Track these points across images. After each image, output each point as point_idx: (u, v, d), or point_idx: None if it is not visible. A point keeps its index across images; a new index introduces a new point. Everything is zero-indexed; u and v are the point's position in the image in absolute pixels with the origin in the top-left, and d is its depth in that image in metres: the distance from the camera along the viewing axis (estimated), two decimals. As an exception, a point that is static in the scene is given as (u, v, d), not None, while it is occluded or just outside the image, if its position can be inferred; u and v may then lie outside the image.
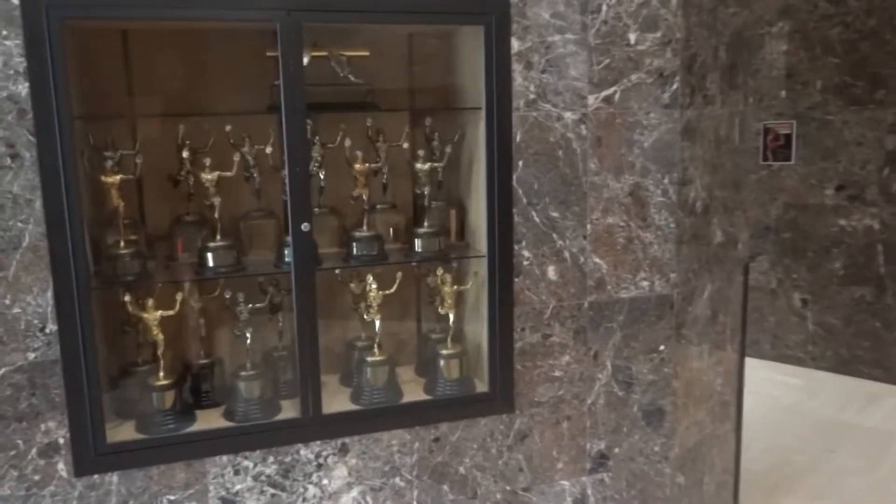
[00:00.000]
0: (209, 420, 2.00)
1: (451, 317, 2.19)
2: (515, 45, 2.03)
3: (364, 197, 2.13)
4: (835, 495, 3.25)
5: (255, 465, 1.96)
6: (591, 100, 2.13)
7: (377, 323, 2.14)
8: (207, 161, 1.97)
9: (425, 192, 2.18)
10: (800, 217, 4.79)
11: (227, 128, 2.01)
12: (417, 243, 2.16)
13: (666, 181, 2.25)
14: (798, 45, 4.66)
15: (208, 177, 1.97)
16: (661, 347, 2.33)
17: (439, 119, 2.26)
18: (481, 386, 2.21)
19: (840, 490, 3.28)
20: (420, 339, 2.39)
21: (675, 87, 2.20)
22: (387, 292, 2.12)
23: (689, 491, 2.49)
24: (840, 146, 4.57)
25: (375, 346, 2.16)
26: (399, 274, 2.14)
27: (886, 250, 4.47)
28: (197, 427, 1.97)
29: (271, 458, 1.97)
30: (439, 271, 2.14)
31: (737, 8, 2.46)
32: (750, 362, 5.04)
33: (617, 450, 2.33)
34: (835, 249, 4.67)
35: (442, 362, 2.19)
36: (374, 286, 2.08)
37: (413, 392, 2.21)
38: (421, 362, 2.36)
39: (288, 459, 1.99)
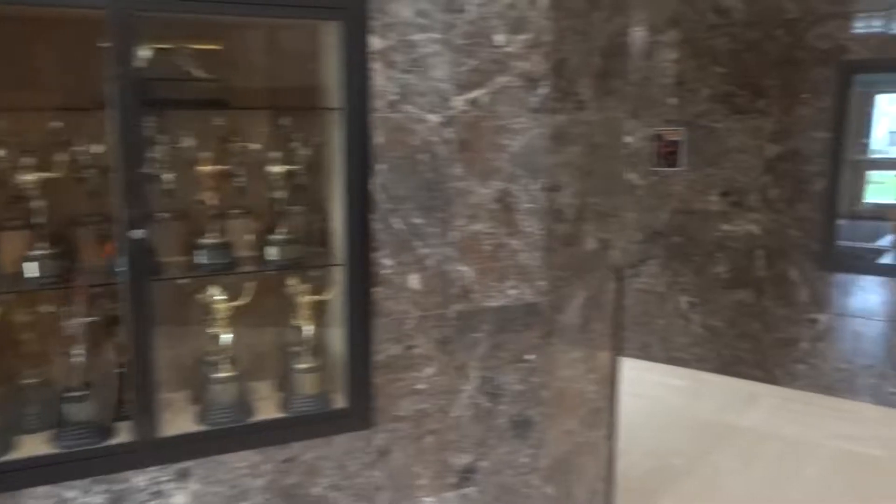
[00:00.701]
0: (31, 447, 1.81)
1: (309, 329, 2.06)
2: (376, 42, 1.93)
3: (214, 201, 1.98)
4: (709, 497, 3.31)
5: (81, 495, 1.78)
6: (456, 102, 2.05)
7: (226, 337, 1.99)
8: (27, 161, 1.77)
9: (281, 197, 2.04)
10: (687, 222, 4.90)
11: (54, 125, 1.82)
12: (272, 251, 2.03)
13: (535, 187, 2.19)
14: (687, 54, 4.77)
15: (29, 178, 1.77)
16: (530, 356, 2.28)
17: (302, 119, 2.13)
18: (342, 402, 2.10)
19: (715, 491, 3.35)
20: (280, 353, 2.25)
21: (544, 91, 2.15)
22: (237, 304, 1.98)
23: (559, 501, 2.45)
24: (725, 153, 4.70)
25: (224, 361, 2.01)
26: (251, 284, 2.00)
27: (766, 255, 4.62)
28: (14, 455, 1.77)
29: (100, 488, 1.80)
30: (293, 281, 2.01)
31: (611, 13, 2.44)
32: (640, 365, 5.15)
33: (484, 463, 2.26)
34: (719, 254, 4.80)
35: (297, 377, 2.06)
36: (220, 297, 1.93)
37: (268, 410, 2.08)
38: (281, 378, 2.22)
39: (119, 488, 1.81)
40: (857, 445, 3.80)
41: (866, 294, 4.32)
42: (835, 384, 4.47)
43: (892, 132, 6.25)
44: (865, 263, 4.44)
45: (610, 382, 2.77)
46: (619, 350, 2.78)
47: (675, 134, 4.87)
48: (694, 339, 4.97)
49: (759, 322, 4.70)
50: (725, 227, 4.75)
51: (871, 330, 4.31)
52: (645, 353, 5.18)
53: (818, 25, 4.28)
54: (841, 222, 5.88)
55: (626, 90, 2.60)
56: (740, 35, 4.54)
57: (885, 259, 4.60)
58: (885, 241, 5.02)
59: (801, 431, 3.97)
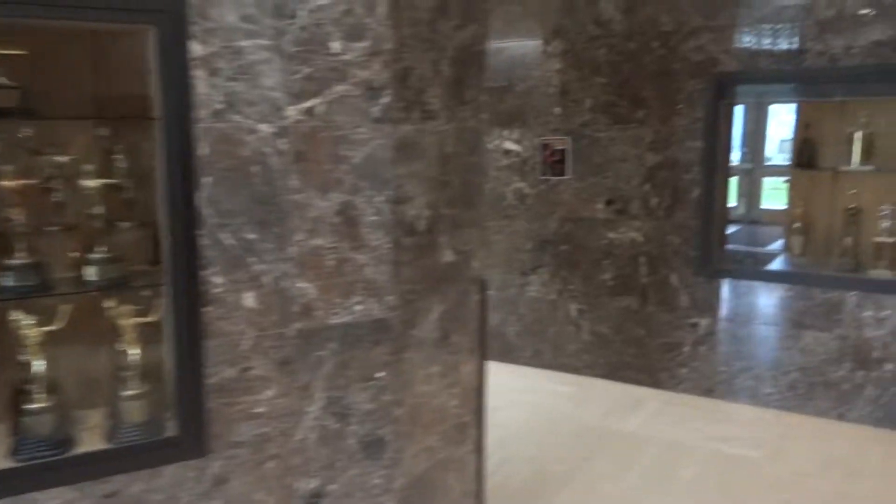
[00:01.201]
0: None
1: (135, 353, 1.93)
2: (197, 49, 1.83)
3: (21, 218, 1.82)
4: (585, 503, 3.33)
5: None
6: (290, 112, 1.96)
7: (39, 364, 1.84)
8: None
9: (99, 212, 1.91)
10: (575, 230, 4.96)
11: None
12: (90, 271, 1.89)
13: (380, 199, 2.13)
14: (570, 65, 4.83)
15: None
16: (380, 374, 2.21)
17: (126, 130, 2.00)
18: (173, 429, 1.97)
19: (591, 497, 3.37)
20: (110, 380, 2.10)
21: (385, 100, 2.10)
22: (50, 329, 1.83)
23: (419, 521, 2.39)
24: (608, 162, 4.78)
25: (38, 390, 1.85)
26: (67, 307, 1.85)
27: (648, 261, 4.72)
28: None
29: None
30: (112, 302, 1.88)
31: (462, 21, 2.41)
32: (531, 372, 5.17)
33: (333, 486, 2.18)
34: (605, 261, 4.88)
35: (124, 405, 1.93)
36: (28, 322, 1.78)
37: (93, 440, 1.93)
38: (112, 406, 2.08)
39: None
40: (732, 447, 3.90)
41: (744, 298, 4.47)
42: (715, 387, 4.61)
43: (783, 141, 6.54)
44: (741, 268, 4.60)
45: (475, 395, 2.73)
46: (484, 362, 2.75)
47: (561, 143, 4.93)
48: (583, 345, 5.03)
49: (644, 328, 4.79)
50: (611, 234, 4.84)
51: (749, 333, 4.45)
52: (537, 361, 5.21)
53: (691, 38, 4.41)
54: (739, 227, 6.17)
55: (481, 100, 2.57)
56: (619, 46, 4.64)
57: (776, 262, 4.79)
58: (776, 245, 5.24)
59: (680, 434, 4.05)
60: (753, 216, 6.47)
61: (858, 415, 4.20)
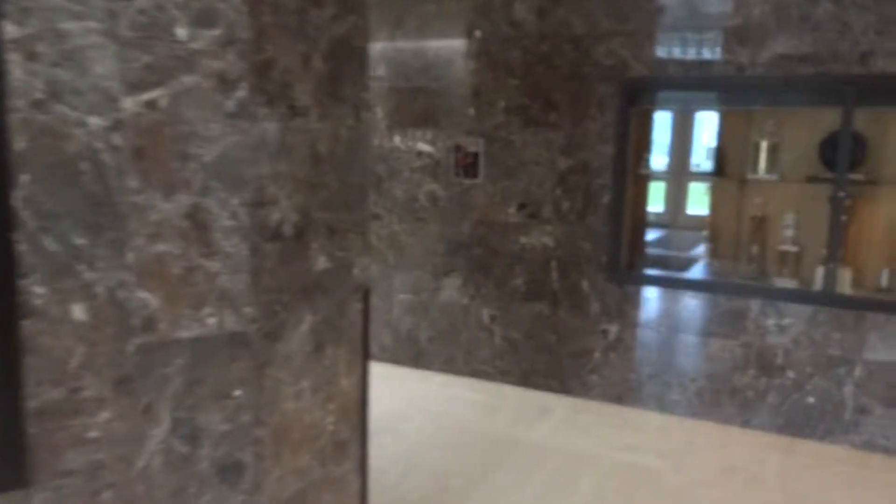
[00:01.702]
0: None
1: (-58, 371, 1.70)
2: (12, 30, 1.61)
3: None
4: (480, 521, 3.21)
5: None
6: (127, 104, 1.77)
7: None
8: None
9: None
10: (488, 234, 4.86)
11: None
12: None
13: (235, 202, 1.95)
14: (484, 65, 4.73)
15: None
16: (237, 392, 2.03)
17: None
18: (-10, 456, 1.75)
19: (487, 514, 3.26)
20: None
21: (241, 94, 1.92)
22: None
23: (285, 549, 2.22)
24: (521, 165, 4.70)
25: None
26: None
27: (559, 266, 4.65)
28: None
29: None
30: None
31: (339, 11, 2.25)
32: (443, 379, 5.05)
33: (181, 516, 1.99)
34: (517, 266, 4.79)
35: (-74, 431, 1.69)
36: None
37: None
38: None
39: None
40: (636, 456, 3.86)
41: (654, 305, 4.44)
42: (624, 394, 4.57)
43: (708, 148, 6.60)
44: (649, 275, 4.57)
45: (357, 410, 2.57)
46: (367, 373, 2.60)
47: (475, 145, 4.82)
48: (495, 351, 4.94)
49: (555, 334, 4.73)
50: (523, 239, 4.75)
51: (658, 340, 4.43)
52: (450, 367, 5.09)
53: (603, 42, 4.36)
54: (665, 232, 6.19)
55: (363, 98, 2.42)
56: (533, 48, 4.56)
57: (696, 267, 4.78)
58: (698, 250, 5.25)
59: (586, 443, 3.99)
60: (679, 221, 6.54)
61: (761, 422, 4.21)
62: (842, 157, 3.87)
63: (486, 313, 4.94)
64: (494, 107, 4.73)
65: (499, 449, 3.90)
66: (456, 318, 5.04)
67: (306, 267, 2.22)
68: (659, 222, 6.45)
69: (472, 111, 4.80)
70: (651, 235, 5.65)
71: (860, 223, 4.18)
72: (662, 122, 6.16)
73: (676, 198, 6.59)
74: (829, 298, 3.96)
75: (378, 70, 5.04)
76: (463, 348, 5.05)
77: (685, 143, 6.40)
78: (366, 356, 2.58)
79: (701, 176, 5.85)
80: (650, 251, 5.16)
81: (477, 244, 4.90)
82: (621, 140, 4.37)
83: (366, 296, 2.55)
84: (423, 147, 4.99)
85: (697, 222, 5.85)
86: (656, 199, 6.14)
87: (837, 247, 3.94)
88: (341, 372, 2.45)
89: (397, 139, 5.06)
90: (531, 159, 4.66)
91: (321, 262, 2.28)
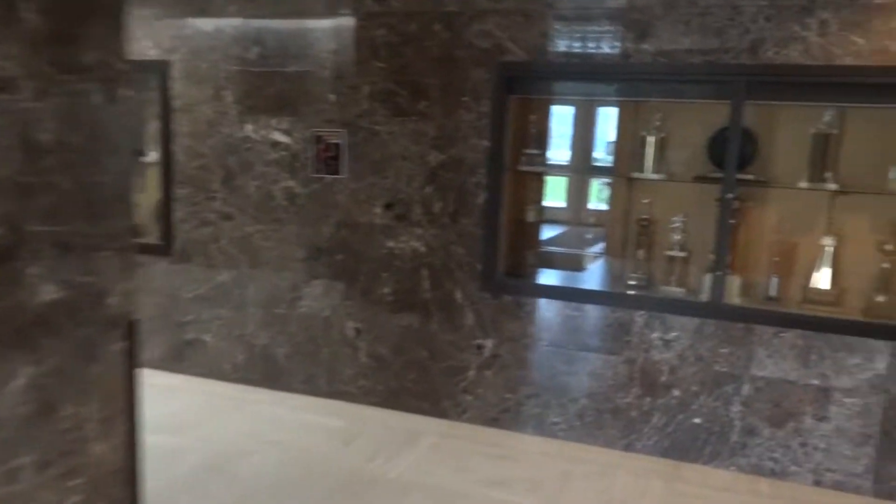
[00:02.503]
0: None
1: None
2: None
3: None
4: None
5: None
6: None
7: None
8: None
9: None
10: (351, 237, 4.29)
11: None
12: None
13: None
14: (346, 45, 4.14)
15: None
16: None
17: None
18: None
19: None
20: None
21: None
22: None
23: None
24: (388, 160, 4.15)
25: None
26: None
27: (431, 274, 4.15)
28: None
29: None
30: None
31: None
32: (301, 402, 4.43)
33: None
34: (385, 273, 4.25)
35: None
36: None
37: None
38: None
39: None
40: (505, 492, 3.40)
41: (534, 316, 4.00)
42: (500, 416, 4.11)
43: (608, 143, 6.25)
44: (526, 285, 4.13)
45: (121, 483, 1.96)
46: (133, 433, 1.99)
47: (336, 136, 4.24)
48: (361, 369, 4.38)
49: (427, 349, 4.22)
50: (391, 243, 4.21)
51: (537, 356, 3.99)
52: (310, 388, 4.51)
53: (476, 21, 3.87)
54: (567, 229, 5.79)
55: (119, 68, 1.80)
56: (400, 27, 4.02)
57: (594, 266, 4.38)
58: (598, 247, 4.84)
59: (453, 479, 3.50)
60: (582, 217, 6.19)
61: (645, 445, 3.85)
62: (730, 155, 3.52)
63: (350, 326, 4.37)
64: (358, 92, 4.15)
65: (350, 491, 3.35)
66: (317, 332, 4.45)
67: (18, 300, 1.59)
68: (561, 219, 6.10)
69: (332, 97, 4.21)
70: (551, 233, 5.27)
71: (749, 227, 3.87)
72: (565, 115, 5.84)
73: (579, 193, 6.25)
74: (716, 309, 3.62)
75: (229, 50, 4.38)
76: (324, 366, 4.47)
77: (587, 136, 6.07)
78: (131, 409, 1.97)
79: (599, 171, 5.51)
80: (548, 249, 4.73)
81: (339, 248, 4.33)
82: (497, 133, 3.89)
83: (130, 331, 1.93)
84: (279, 137, 4.36)
85: (598, 218, 5.52)
86: (558, 195, 5.80)
87: (725, 252, 3.60)
88: (90, 436, 1.83)
89: (249, 128, 4.42)
90: (399, 153, 4.12)
91: (46, 292, 1.66)
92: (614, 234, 4.28)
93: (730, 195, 3.55)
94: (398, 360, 4.29)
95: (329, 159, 4.27)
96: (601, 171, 4.75)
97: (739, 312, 3.63)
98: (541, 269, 4.42)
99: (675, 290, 3.93)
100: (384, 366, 4.33)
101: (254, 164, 4.44)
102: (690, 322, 3.70)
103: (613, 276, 4.23)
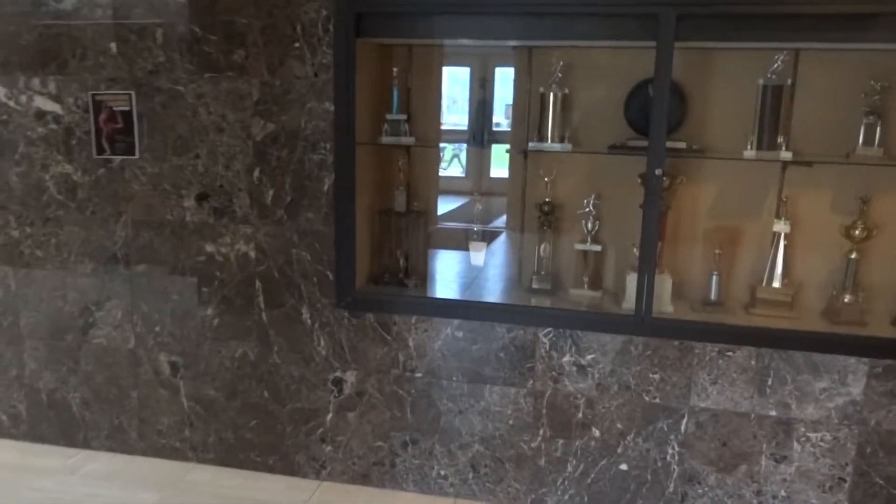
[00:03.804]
0: None
1: None
2: None
3: None
4: None
5: None
6: None
7: None
8: None
9: None
10: (156, 241, 3.13)
11: None
12: None
13: None
14: (129, -29, 2.92)
15: None
16: None
17: None
18: None
19: None
20: None
21: None
22: None
23: None
24: (197, 133, 2.99)
25: None
26: None
27: (267, 288, 3.05)
28: None
29: None
30: None
31: None
32: (107, 464, 3.17)
33: None
34: (205, 289, 3.12)
35: None
36: None
37: None
38: None
39: None
40: None
41: (410, 336, 2.98)
42: (371, 470, 3.11)
43: (507, 105, 5.34)
44: (400, 301, 3.10)
45: None
46: None
47: (124, 101, 3.03)
48: (183, 417, 3.26)
49: (268, 387, 3.14)
50: (210, 247, 3.08)
51: (417, 389, 2.99)
52: (118, 444, 3.35)
53: (308, -65, 2.74)
54: (468, 200, 4.78)
55: None
56: (201, -57, 2.83)
57: (498, 241, 3.37)
58: (502, 220, 3.83)
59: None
60: (484, 187, 5.24)
61: (559, 500, 2.94)
62: (657, 114, 2.58)
63: (163, 360, 3.23)
64: (149, 39, 2.95)
65: None
66: (120, 370, 3.29)
67: None
68: (461, 190, 5.11)
69: (113, 46, 2.99)
70: (450, 206, 4.27)
71: (681, 210, 2.97)
72: (460, 75, 4.88)
73: (479, 161, 5.26)
74: (643, 323, 2.71)
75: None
76: (134, 414, 3.32)
77: (485, 97, 5.10)
78: None
79: (498, 137, 4.55)
80: (445, 225, 3.71)
81: (141, 257, 3.15)
82: (344, 92, 2.80)
83: None
84: (45, 105, 3.11)
85: (501, 186, 4.58)
86: (454, 164, 4.82)
87: (653, 245, 2.68)
88: None
89: (1, 92, 3.14)
90: (212, 123, 2.97)
91: None
92: (514, 218, 3.30)
93: (658, 170, 2.62)
94: (232, 404, 3.20)
95: (116, 133, 3.06)
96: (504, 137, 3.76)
97: (674, 326, 2.74)
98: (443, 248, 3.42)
99: (588, 294, 3.01)
100: (214, 411, 3.22)
101: (15, 144, 3.17)
102: (611, 340, 2.78)
103: (510, 279, 3.27)
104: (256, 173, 2.96)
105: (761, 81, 2.72)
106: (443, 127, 3.48)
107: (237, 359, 3.15)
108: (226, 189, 3.01)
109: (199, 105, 2.96)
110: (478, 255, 3.27)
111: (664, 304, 2.83)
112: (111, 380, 3.31)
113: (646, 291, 2.69)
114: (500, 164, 5.22)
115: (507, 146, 3.34)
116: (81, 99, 3.06)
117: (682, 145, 2.82)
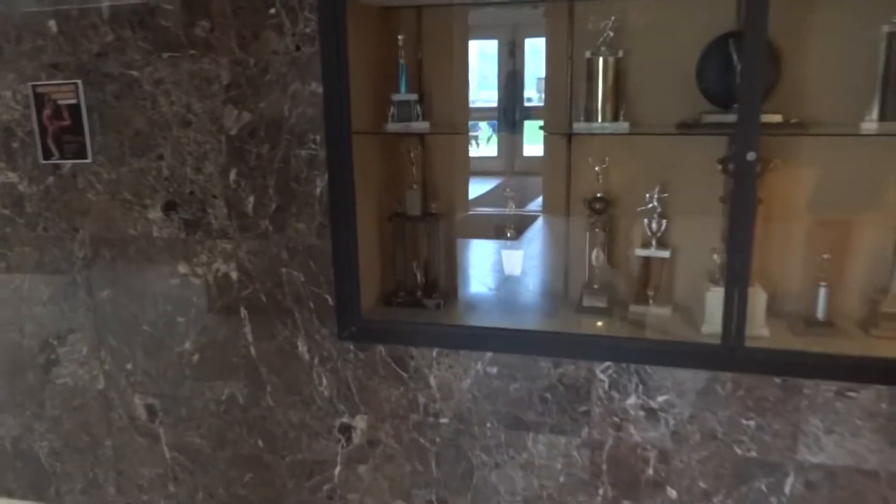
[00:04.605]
0: None
1: None
2: None
3: None
4: None
5: None
6: None
7: None
8: None
9: None
10: (119, 261, 2.57)
11: None
12: None
13: None
14: (65, -71, 2.33)
15: None
16: None
17: None
18: None
19: None
20: None
21: None
22: None
23: None
24: (159, 128, 2.41)
25: None
26: None
27: (254, 317, 2.48)
28: None
29: None
30: None
31: None
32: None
33: None
34: (181, 318, 2.56)
35: None
36: None
37: None
38: None
39: None
40: None
41: (433, 373, 2.38)
42: (389, 534, 2.53)
43: (538, 78, 4.74)
44: (417, 329, 2.50)
45: None
46: None
47: (69, 93, 2.46)
48: (167, 469, 2.73)
49: (263, 435, 2.59)
50: (183, 268, 2.51)
51: (440, 438, 2.40)
52: (95, 499, 2.84)
53: None
54: (501, 181, 4.18)
55: None
56: None
57: (533, 230, 2.77)
58: (537, 202, 3.21)
59: None
60: (517, 166, 4.65)
61: (625, 575, 2.33)
62: (748, 79, 1.91)
63: (139, 403, 2.69)
64: (93, 14, 2.37)
65: None
66: (90, 414, 2.76)
67: None
68: (493, 171, 4.51)
69: (53, 25, 2.42)
70: (482, 189, 3.67)
71: (775, 204, 2.30)
72: (489, 50, 4.28)
73: (511, 140, 4.64)
74: (734, 354, 2.07)
75: None
76: (111, 466, 2.79)
77: (515, 68, 4.47)
78: None
79: (530, 113, 3.93)
80: (477, 212, 3.11)
81: (102, 281, 2.60)
82: (335, 67, 2.18)
83: None
84: (-20, 101, 2.56)
85: (535, 166, 3.97)
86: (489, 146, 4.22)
87: (746, 250, 2.02)
88: None
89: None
90: (175, 115, 2.38)
91: None
92: (556, 215, 2.67)
93: (751, 153, 1.95)
94: (221, 455, 2.65)
95: (63, 133, 2.50)
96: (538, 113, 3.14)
97: (775, 358, 2.09)
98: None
99: (654, 312, 2.37)
100: (201, 463, 2.68)
101: (-50, 150, 2.63)
102: (692, 378, 2.15)
103: (553, 292, 2.64)
104: (233, 175, 2.38)
105: (886, 28, 2.03)
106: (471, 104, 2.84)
107: (224, 401, 2.59)
108: (197, 196, 2.43)
109: (157, 93, 2.37)
110: (512, 263, 2.64)
111: (757, 326, 2.18)
112: (81, 426, 2.79)
113: (736, 313, 2.04)
114: (533, 141, 4.58)
115: (541, 122, 2.70)
116: (20, 92, 2.50)
117: (778, 118, 2.15)
